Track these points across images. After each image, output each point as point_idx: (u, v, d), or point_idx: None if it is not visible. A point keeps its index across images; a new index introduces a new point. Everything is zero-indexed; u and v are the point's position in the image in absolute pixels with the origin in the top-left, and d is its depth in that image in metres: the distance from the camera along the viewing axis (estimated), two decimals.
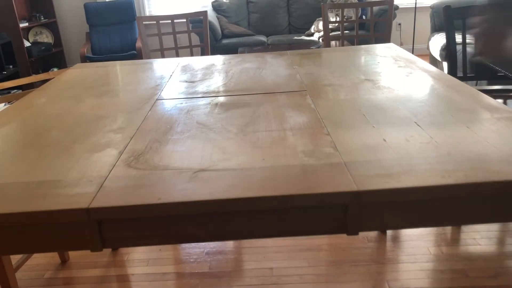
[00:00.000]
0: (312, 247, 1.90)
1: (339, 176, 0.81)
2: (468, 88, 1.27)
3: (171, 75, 1.64)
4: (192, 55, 2.68)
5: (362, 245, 1.90)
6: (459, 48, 3.23)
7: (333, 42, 3.73)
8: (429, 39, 4.24)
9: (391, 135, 0.98)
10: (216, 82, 1.51)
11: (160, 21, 2.63)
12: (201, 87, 1.46)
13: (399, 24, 5.42)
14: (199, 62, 1.83)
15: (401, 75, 1.44)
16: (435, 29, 4.42)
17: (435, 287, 1.64)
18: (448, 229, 1.98)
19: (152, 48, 2.71)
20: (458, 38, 3.27)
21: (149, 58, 2.35)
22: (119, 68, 1.81)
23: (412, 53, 3.59)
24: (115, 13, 5.06)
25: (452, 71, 2.56)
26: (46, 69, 5.07)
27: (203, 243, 1.97)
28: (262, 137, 1.00)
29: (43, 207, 0.76)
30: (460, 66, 2.59)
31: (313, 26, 5.03)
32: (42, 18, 5.09)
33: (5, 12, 4.49)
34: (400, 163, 0.84)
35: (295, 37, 4.94)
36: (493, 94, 2.64)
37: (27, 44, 4.84)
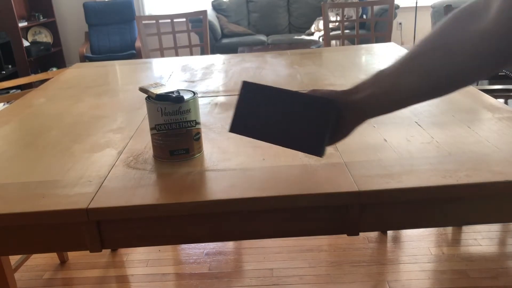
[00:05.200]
0: (312, 247, 1.90)
1: (340, 176, 0.80)
2: (469, 88, 1.26)
3: (170, 75, 1.63)
4: (191, 54, 2.68)
5: (362, 246, 1.89)
6: None
7: (333, 42, 3.73)
8: None
9: (391, 135, 0.97)
10: (216, 81, 1.51)
11: (160, 21, 2.62)
12: (201, 87, 1.45)
13: (400, 23, 5.41)
14: (199, 61, 1.83)
15: None
16: None
17: None
18: (449, 229, 1.98)
19: (151, 47, 2.71)
20: None
21: (149, 57, 2.34)
22: (119, 68, 1.81)
23: None
24: (114, 13, 5.06)
25: None
26: (45, 69, 5.07)
27: (203, 244, 1.97)
28: None
29: (42, 208, 0.75)
30: None
31: (313, 26, 5.03)
32: (41, 18, 5.09)
33: (4, 11, 4.48)
34: (401, 163, 0.84)
35: (295, 37, 4.94)
36: (494, 93, 2.63)
37: (26, 43, 4.83)
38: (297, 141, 0.77)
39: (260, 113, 0.79)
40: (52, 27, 5.25)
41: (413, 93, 0.68)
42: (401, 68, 0.68)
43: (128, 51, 4.95)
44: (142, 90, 0.91)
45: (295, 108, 0.77)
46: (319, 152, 0.75)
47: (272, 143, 0.79)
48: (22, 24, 4.76)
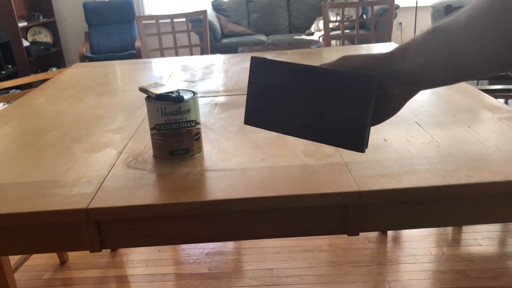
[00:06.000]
0: (312, 247, 1.90)
1: (340, 177, 0.80)
2: (469, 88, 1.26)
3: (170, 75, 1.63)
4: (191, 54, 2.68)
5: (362, 246, 1.89)
6: None
7: (333, 42, 3.73)
8: None
9: (391, 135, 0.97)
10: (216, 81, 1.51)
11: (160, 21, 2.62)
12: (201, 87, 1.45)
13: (400, 23, 5.41)
14: (199, 61, 1.83)
15: None
16: None
17: None
18: (449, 229, 1.98)
19: (151, 47, 2.71)
20: None
21: (149, 57, 2.34)
22: (118, 68, 1.81)
23: None
24: (114, 13, 5.06)
25: None
26: (45, 69, 5.07)
27: (203, 244, 1.97)
28: (262, 137, 0.99)
29: (42, 208, 0.75)
30: None
31: (313, 26, 5.03)
32: (41, 18, 5.09)
33: (4, 11, 4.48)
34: (401, 163, 0.84)
35: (295, 37, 4.94)
36: (495, 93, 2.63)
37: (26, 43, 4.83)
38: (328, 133, 0.61)
39: (278, 97, 0.62)
40: (52, 27, 5.25)
41: (495, 60, 0.47)
42: (474, 22, 0.47)
43: (128, 51, 4.95)
44: (142, 90, 0.91)
45: (322, 89, 0.60)
46: (360, 146, 0.59)
47: (297, 136, 0.64)
48: (22, 24, 4.76)
